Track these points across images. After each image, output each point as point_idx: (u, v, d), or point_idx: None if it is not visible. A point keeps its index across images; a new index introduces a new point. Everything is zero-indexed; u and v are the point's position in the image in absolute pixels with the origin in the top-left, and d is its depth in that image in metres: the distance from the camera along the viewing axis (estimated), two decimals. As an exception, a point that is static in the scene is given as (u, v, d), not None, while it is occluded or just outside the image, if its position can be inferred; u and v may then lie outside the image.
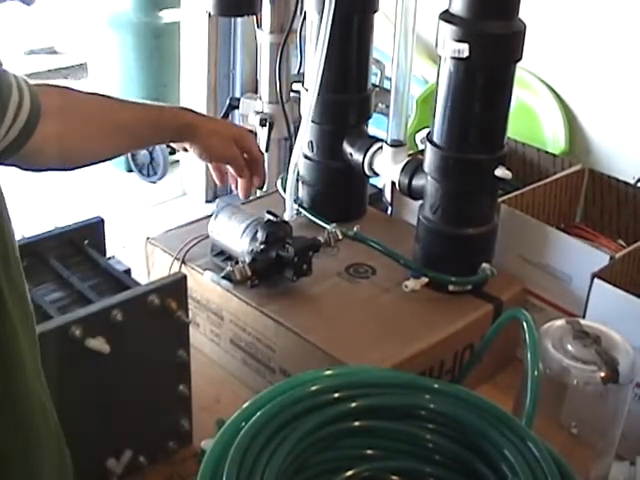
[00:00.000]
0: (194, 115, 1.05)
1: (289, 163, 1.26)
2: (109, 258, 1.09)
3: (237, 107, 2.25)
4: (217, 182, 1.13)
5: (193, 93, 3.07)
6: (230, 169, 1.10)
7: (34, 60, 4.66)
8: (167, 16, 3.30)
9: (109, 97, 0.97)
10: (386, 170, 1.25)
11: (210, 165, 1.11)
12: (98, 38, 3.41)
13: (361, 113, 1.32)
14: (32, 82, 0.84)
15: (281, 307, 1.10)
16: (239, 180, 1.11)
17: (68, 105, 0.92)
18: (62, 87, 0.93)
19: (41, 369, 0.73)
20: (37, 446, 0.70)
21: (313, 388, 0.79)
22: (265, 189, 1.30)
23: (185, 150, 1.07)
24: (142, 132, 0.99)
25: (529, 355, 0.88)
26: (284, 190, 1.30)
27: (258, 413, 0.75)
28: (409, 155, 1.25)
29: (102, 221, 1.10)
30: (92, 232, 1.09)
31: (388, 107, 1.25)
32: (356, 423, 0.80)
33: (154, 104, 1.02)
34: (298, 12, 1.99)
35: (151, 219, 3.15)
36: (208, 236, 1.20)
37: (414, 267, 1.16)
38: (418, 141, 1.34)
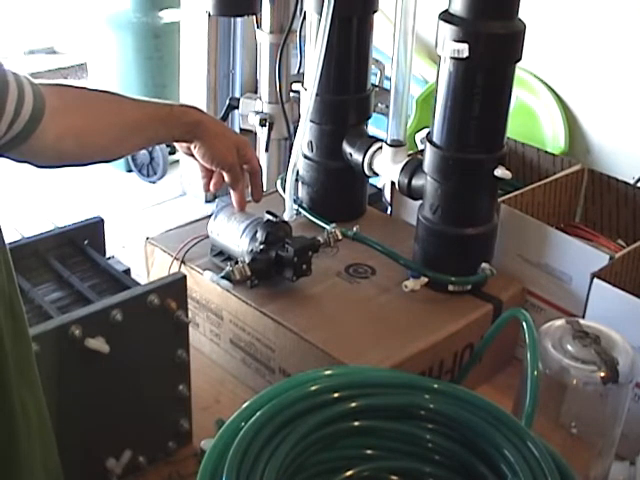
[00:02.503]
0: (202, 114, 1.05)
1: (289, 163, 1.27)
2: (109, 258, 1.09)
3: (237, 107, 2.25)
4: (203, 188, 1.12)
5: (193, 93, 3.07)
6: (226, 178, 1.09)
7: (34, 60, 4.67)
8: (167, 16, 3.31)
9: (120, 95, 0.98)
10: (386, 170, 1.25)
11: (202, 170, 1.10)
12: (98, 38, 3.41)
13: (361, 113, 1.32)
14: (42, 81, 0.85)
15: (281, 307, 1.10)
16: (233, 193, 1.11)
17: (79, 102, 0.92)
18: (73, 86, 0.94)
19: (30, 366, 0.73)
20: (16, 443, 0.70)
21: (313, 388, 0.79)
22: (265, 189, 1.30)
23: (189, 153, 1.06)
24: (153, 129, 1.00)
25: (529, 355, 0.88)
26: (284, 190, 1.30)
27: (258, 413, 0.75)
28: (409, 155, 1.25)
29: (102, 221, 1.10)
30: (92, 232, 1.09)
31: (388, 107, 1.25)
32: (356, 423, 0.80)
33: (163, 102, 1.02)
34: (298, 12, 1.99)
35: (151, 219, 3.15)
36: (208, 236, 1.20)
37: (414, 267, 1.16)
38: (418, 141, 1.34)
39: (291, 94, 2.14)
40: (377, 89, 1.37)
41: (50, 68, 4.62)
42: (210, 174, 1.10)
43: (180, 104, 1.04)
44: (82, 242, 1.07)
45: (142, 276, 1.19)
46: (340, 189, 1.34)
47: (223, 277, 1.08)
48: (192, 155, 1.07)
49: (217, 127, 1.06)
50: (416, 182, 1.19)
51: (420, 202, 1.17)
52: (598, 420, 0.94)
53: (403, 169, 1.21)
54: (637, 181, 1.48)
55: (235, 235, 1.14)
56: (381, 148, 1.25)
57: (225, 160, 1.06)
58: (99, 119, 0.94)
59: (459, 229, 1.14)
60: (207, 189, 1.11)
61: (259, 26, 2.11)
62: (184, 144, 1.06)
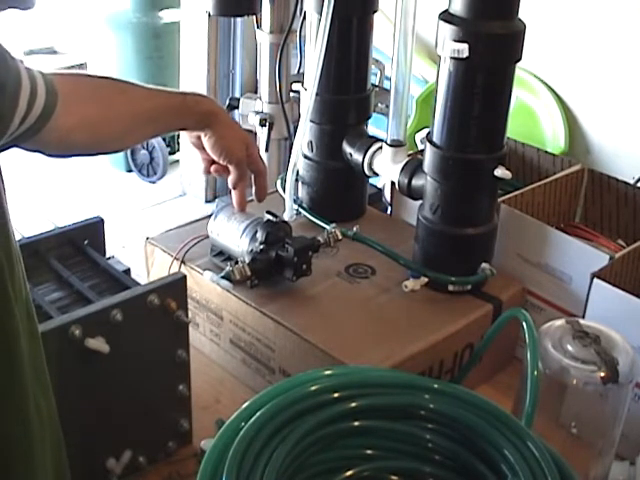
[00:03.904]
0: (215, 103, 1.05)
1: (289, 163, 1.27)
2: (109, 258, 1.09)
3: (237, 107, 2.25)
4: (203, 171, 1.11)
5: (193, 93, 3.07)
6: (232, 172, 1.08)
7: (34, 60, 4.66)
8: (167, 16, 3.31)
9: (132, 83, 0.97)
10: (386, 170, 1.25)
11: (204, 159, 1.08)
12: (98, 38, 3.41)
13: (361, 113, 1.32)
14: (56, 70, 0.85)
15: (281, 307, 1.10)
16: (234, 192, 1.11)
17: (92, 93, 0.92)
18: (85, 75, 0.93)
19: (42, 367, 0.73)
20: (30, 444, 0.70)
21: (313, 388, 0.79)
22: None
23: (197, 144, 1.05)
24: (166, 118, 0.99)
25: (529, 355, 0.88)
26: (284, 190, 1.30)
27: (258, 413, 0.75)
28: (409, 155, 1.25)
29: (102, 221, 1.10)
30: (92, 232, 1.09)
31: (388, 107, 1.25)
32: (356, 423, 0.80)
33: (176, 91, 1.02)
34: (298, 12, 1.99)
35: (151, 219, 3.15)
36: (208, 236, 1.20)
37: (414, 267, 1.16)
38: (418, 141, 1.34)
39: (291, 94, 2.14)
40: (377, 89, 1.37)
41: (50, 68, 4.62)
42: (210, 159, 1.08)
43: (193, 93, 1.03)
44: (82, 242, 1.07)
45: (142, 276, 1.19)
46: (340, 189, 1.34)
47: (223, 277, 1.08)
48: (199, 146, 1.06)
49: (230, 119, 1.06)
50: (416, 182, 1.19)
51: (420, 202, 1.17)
52: (598, 420, 0.94)
53: (403, 169, 1.21)
54: (637, 181, 1.48)
55: (235, 235, 1.14)
56: (381, 148, 1.25)
57: (234, 152, 1.06)
58: (111, 110, 0.93)
59: (459, 229, 1.14)
60: (207, 172, 1.10)
61: (259, 26, 2.11)
62: (194, 133, 1.05)
